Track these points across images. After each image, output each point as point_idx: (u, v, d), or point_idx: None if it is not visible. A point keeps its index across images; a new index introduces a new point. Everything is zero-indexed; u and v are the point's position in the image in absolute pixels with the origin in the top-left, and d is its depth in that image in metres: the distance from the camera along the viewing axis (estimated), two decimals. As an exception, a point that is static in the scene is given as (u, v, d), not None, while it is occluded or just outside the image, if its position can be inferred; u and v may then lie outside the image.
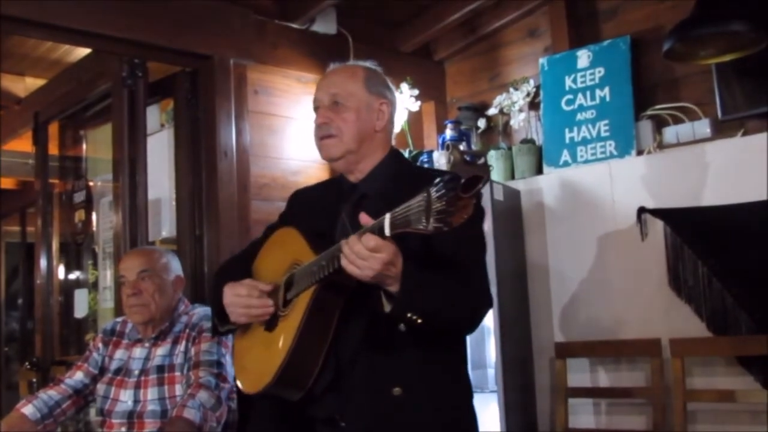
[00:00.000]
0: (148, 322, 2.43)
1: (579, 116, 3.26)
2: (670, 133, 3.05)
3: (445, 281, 1.52)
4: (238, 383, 1.75)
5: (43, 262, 3.80)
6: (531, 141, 3.42)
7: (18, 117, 4.25)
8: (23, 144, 4.32)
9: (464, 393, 1.72)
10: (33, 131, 3.86)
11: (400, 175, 1.75)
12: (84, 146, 3.90)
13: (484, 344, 3.07)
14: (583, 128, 3.24)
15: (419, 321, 1.46)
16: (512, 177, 3.38)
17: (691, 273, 2.73)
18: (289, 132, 3.40)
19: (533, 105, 3.49)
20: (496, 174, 3.37)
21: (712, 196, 2.74)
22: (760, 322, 2.56)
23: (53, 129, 3.90)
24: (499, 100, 3.51)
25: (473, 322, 1.64)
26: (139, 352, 2.45)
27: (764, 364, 2.55)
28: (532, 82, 3.46)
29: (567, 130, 3.29)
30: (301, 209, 1.88)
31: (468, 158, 3.37)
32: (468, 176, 1.22)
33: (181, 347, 2.39)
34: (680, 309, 2.75)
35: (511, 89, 3.48)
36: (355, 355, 1.60)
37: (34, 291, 3.94)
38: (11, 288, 6.42)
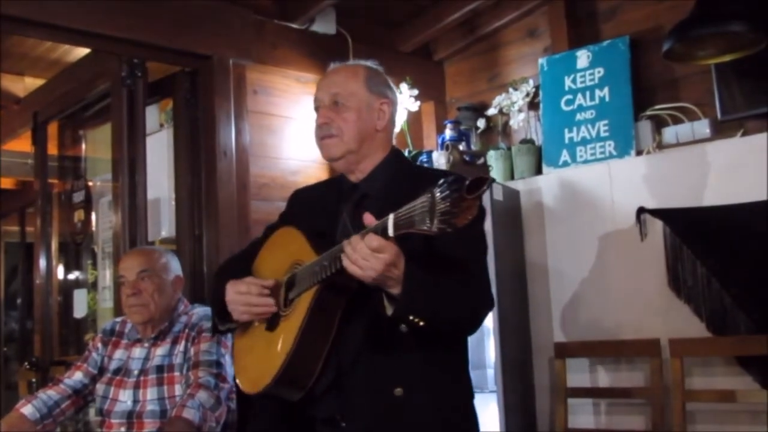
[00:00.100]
0: (147, 322, 2.43)
1: (578, 116, 3.26)
2: (669, 133, 3.06)
3: (446, 283, 1.52)
4: (239, 383, 1.75)
5: (42, 262, 3.79)
6: (530, 141, 3.42)
7: (17, 117, 4.25)
8: (22, 144, 4.32)
9: (465, 393, 1.72)
10: (32, 131, 3.85)
11: (401, 174, 1.74)
12: (83, 146, 3.90)
13: (484, 344, 3.07)
14: (583, 128, 3.24)
15: (421, 324, 1.45)
16: (512, 177, 3.38)
17: (690, 273, 2.73)
18: (289, 132, 3.40)
19: (533, 105, 3.49)
20: (496, 174, 3.37)
21: (712, 197, 2.74)
22: (759, 322, 2.56)
23: (52, 129, 3.90)
24: (499, 100, 3.51)
25: (475, 322, 1.63)
26: (138, 352, 2.45)
27: (763, 364, 2.55)
28: (531, 82, 3.46)
29: (566, 131, 3.29)
30: (301, 209, 1.88)
31: (467, 158, 3.37)
32: (473, 177, 1.22)
33: (181, 347, 2.39)
34: (679, 309, 2.76)
35: (511, 89, 3.48)
36: (356, 355, 1.60)
37: (34, 291, 3.94)
38: (10, 288, 6.41)
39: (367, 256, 1.36)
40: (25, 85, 4.20)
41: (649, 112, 3.15)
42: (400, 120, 3.46)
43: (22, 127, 4.15)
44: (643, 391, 2.84)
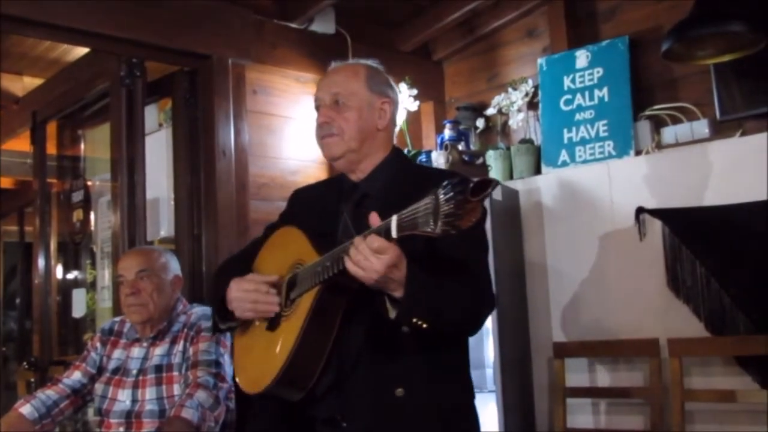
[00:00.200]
0: (146, 321, 2.42)
1: (577, 116, 3.26)
2: (668, 133, 3.06)
3: (449, 284, 1.51)
4: (239, 383, 1.74)
5: (41, 262, 3.79)
6: (529, 141, 3.42)
7: (16, 116, 4.25)
8: (21, 143, 4.31)
9: (466, 394, 1.72)
10: (31, 131, 3.85)
11: (402, 174, 1.74)
12: (82, 146, 3.90)
13: (483, 344, 3.07)
14: (582, 128, 3.24)
15: (424, 326, 1.45)
16: (511, 177, 3.38)
17: (689, 273, 2.73)
18: (288, 132, 3.40)
19: (532, 105, 3.49)
20: (495, 174, 3.37)
21: (711, 196, 2.74)
22: (758, 322, 2.56)
23: (51, 128, 3.89)
24: (498, 100, 3.51)
25: (477, 323, 1.63)
26: (137, 351, 2.45)
27: (762, 364, 2.56)
28: (530, 82, 3.46)
29: (565, 130, 3.29)
30: (301, 209, 1.87)
31: (466, 158, 3.38)
32: (477, 179, 1.21)
33: (180, 347, 2.39)
34: (678, 309, 2.76)
35: (510, 89, 3.48)
36: (357, 355, 1.59)
37: (32, 291, 3.93)
38: (9, 288, 6.41)
39: (368, 256, 1.36)
40: (24, 84, 4.20)
41: (648, 112, 3.15)
42: (400, 120, 3.46)
43: (20, 126, 4.14)
44: (641, 390, 2.84)
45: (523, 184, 3.28)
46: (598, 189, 3.05)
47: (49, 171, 3.87)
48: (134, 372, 2.39)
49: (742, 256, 2.63)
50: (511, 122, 3.49)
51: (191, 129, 3.20)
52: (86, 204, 3.72)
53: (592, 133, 3.21)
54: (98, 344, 2.52)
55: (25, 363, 3.76)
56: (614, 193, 3.00)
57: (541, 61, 3.44)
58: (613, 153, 3.12)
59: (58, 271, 3.86)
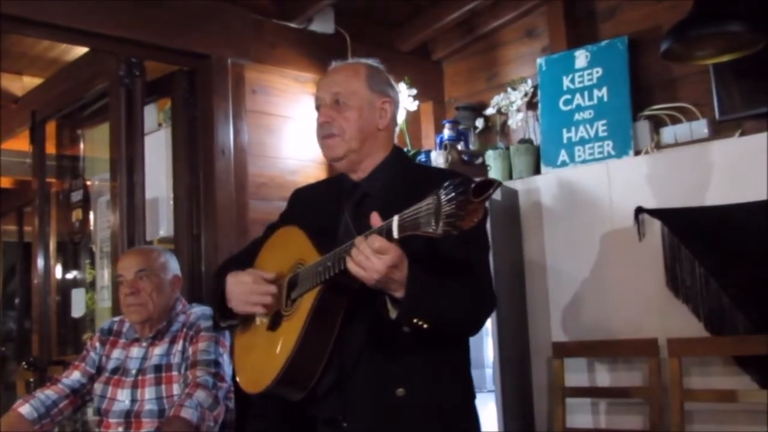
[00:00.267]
0: (145, 321, 2.42)
1: (577, 116, 3.26)
2: (667, 133, 3.06)
3: (450, 284, 1.51)
4: (239, 382, 1.74)
5: (40, 262, 3.79)
6: (529, 141, 3.42)
7: (15, 116, 4.24)
8: (20, 143, 4.31)
9: (466, 394, 1.71)
10: (30, 130, 3.85)
11: (403, 173, 1.74)
12: (81, 145, 3.90)
13: (482, 344, 3.06)
14: (581, 128, 3.24)
15: (425, 326, 1.45)
16: (510, 177, 3.38)
17: (688, 273, 2.74)
18: (287, 131, 3.40)
19: (531, 105, 3.49)
20: (494, 174, 3.37)
21: (710, 196, 2.74)
22: (757, 322, 2.56)
23: (50, 128, 3.89)
24: (497, 100, 3.51)
25: (478, 323, 1.63)
26: (136, 351, 2.44)
27: (761, 364, 2.56)
28: (529, 82, 3.46)
29: (565, 130, 3.29)
30: (302, 208, 1.87)
31: (466, 158, 3.38)
32: (479, 179, 1.21)
33: (179, 346, 2.39)
34: (677, 309, 2.76)
35: (509, 89, 3.48)
36: (358, 355, 1.59)
37: (32, 290, 3.93)
38: (8, 287, 6.41)
39: (370, 256, 1.35)
40: (23, 84, 4.19)
41: (647, 112, 3.15)
42: (399, 119, 3.46)
43: (20, 126, 4.14)
44: (641, 390, 2.84)
45: (522, 184, 3.28)
46: (598, 189, 3.05)
47: (48, 171, 3.87)
48: (133, 372, 2.39)
49: (741, 256, 2.63)
50: (510, 122, 3.49)
51: (190, 129, 3.20)
52: (85, 204, 3.72)
53: (592, 133, 3.21)
54: (97, 344, 2.52)
55: (24, 363, 3.76)
56: (613, 193, 3.00)
57: (540, 61, 3.44)
58: (613, 153, 3.12)
59: (58, 271, 3.86)
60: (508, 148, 3.44)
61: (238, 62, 3.22)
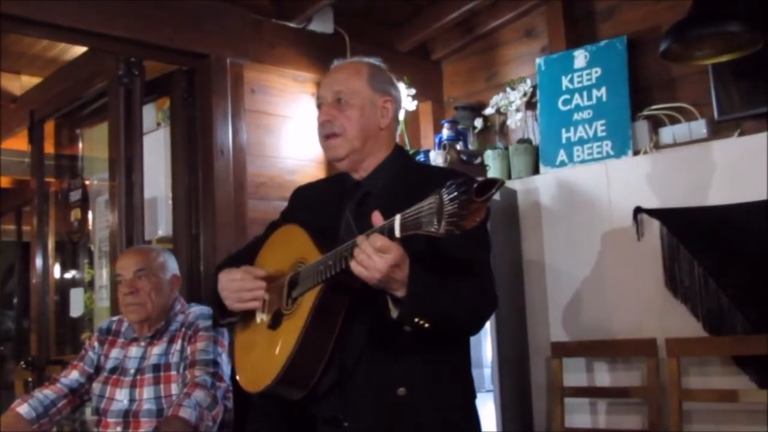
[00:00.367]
0: (144, 321, 2.42)
1: (576, 116, 3.27)
2: (666, 133, 3.06)
3: (451, 284, 1.50)
4: (239, 381, 1.73)
5: (38, 261, 3.79)
6: (528, 141, 3.42)
7: (14, 115, 4.24)
8: (19, 142, 4.31)
9: (467, 393, 1.71)
10: (29, 129, 3.85)
11: (405, 172, 1.74)
12: (80, 145, 3.89)
13: (481, 344, 3.07)
14: (580, 128, 3.24)
15: (426, 325, 1.45)
16: (509, 177, 3.38)
17: (686, 273, 2.74)
18: (286, 131, 3.40)
19: (530, 105, 3.49)
20: (493, 173, 3.37)
21: (709, 197, 2.75)
22: (756, 322, 2.56)
23: (49, 127, 3.89)
24: (496, 100, 3.51)
25: (479, 323, 1.63)
26: (135, 351, 2.44)
27: (760, 364, 2.56)
28: (529, 81, 3.46)
29: (564, 130, 3.29)
30: (303, 206, 1.86)
31: (464, 158, 3.38)
32: (482, 179, 1.20)
33: (177, 346, 2.39)
34: (676, 309, 2.76)
35: (508, 89, 3.48)
36: (359, 355, 1.59)
37: (30, 290, 3.93)
38: (7, 287, 6.40)
39: (371, 255, 1.35)
40: (22, 83, 4.19)
41: (646, 112, 3.15)
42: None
43: (18, 125, 4.14)
44: (639, 390, 2.84)
45: (521, 184, 3.29)
46: (596, 189, 3.05)
47: (46, 170, 3.87)
48: (132, 371, 2.39)
49: (740, 256, 2.63)
50: (509, 122, 3.49)
51: (189, 128, 3.20)
52: (84, 203, 3.71)
53: (590, 133, 3.21)
54: (96, 343, 2.52)
55: (22, 362, 3.75)
56: (612, 193, 3.00)
57: (539, 60, 3.44)
58: (611, 153, 3.12)
59: (56, 271, 3.85)
60: (507, 148, 3.44)
61: (237, 62, 3.22)
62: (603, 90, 3.21)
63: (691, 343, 2.70)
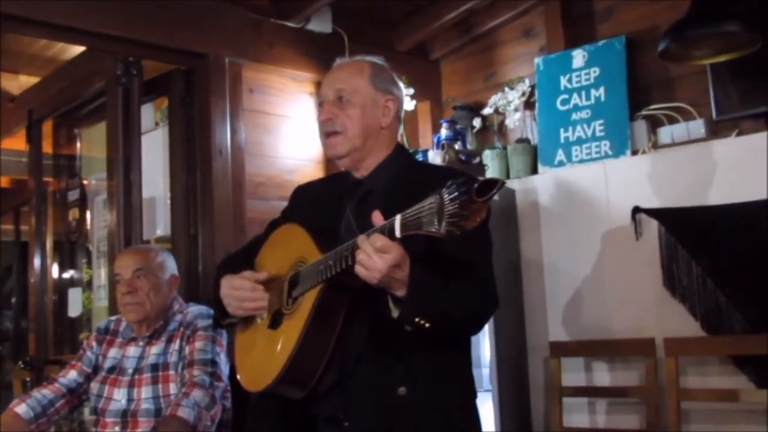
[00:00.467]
0: (142, 320, 2.42)
1: (574, 116, 3.27)
2: (665, 133, 3.06)
3: (452, 284, 1.50)
4: (240, 381, 1.73)
5: (37, 261, 3.78)
6: (526, 140, 3.42)
7: (12, 115, 4.23)
8: (17, 142, 4.30)
9: (467, 393, 1.71)
10: (27, 129, 3.84)
11: (406, 171, 1.73)
12: (78, 144, 3.89)
13: (479, 344, 3.07)
14: (578, 128, 3.24)
15: (427, 325, 1.45)
16: (507, 176, 3.38)
17: (685, 273, 2.74)
18: (285, 131, 3.40)
19: (528, 104, 3.49)
20: (491, 173, 3.37)
21: (708, 196, 2.75)
22: (754, 321, 2.56)
23: (47, 127, 3.88)
24: (495, 100, 3.51)
25: (479, 323, 1.63)
26: (133, 350, 2.44)
27: (758, 364, 2.56)
28: (527, 81, 3.46)
29: (562, 130, 3.29)
30: (304, 205, 1.86)
31: (463, 158, 3.38)
32: (483, 179, 1.20)
33: (176, 346, 2.39)
34: (674, 308, 2.76)
35: (507, 89, 3.48)
36: (359, 354, 1.59)
37: (28, 290, 3.93)
38: (5, 287, 6.39)
39: (372, 255, 1.35)
40: (20, 83, 4.18)
41: (644, 112, 3.16)
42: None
43: (16, 125, 4.13)
44: (638, 390, 2.84)
45: (519, 184, 3.29)
46: (595, 189, 3.05)
47: (45, 170, 3.87)
48: (130, 371, 2.39)
49: (738, 256, 2.63)
50: (507, 122, 3.49)
51: (188, 128, 3.20)
52: (82, 203, 3.71)
53: (589, 133, 3.21)
54: (94, 343, 2.52)
55: (20, 362, 3.75)
56: (611, 193, 3.01)
57: (537, 60, 3.44)
58: (610, 153, 3.12)
59: (54, 270, 3.85)
60: (505, 148, 3.44)
61: (235, 61, 3.22)
62: (601, 90, 3.21)
63: (690, 343, 2.70)
